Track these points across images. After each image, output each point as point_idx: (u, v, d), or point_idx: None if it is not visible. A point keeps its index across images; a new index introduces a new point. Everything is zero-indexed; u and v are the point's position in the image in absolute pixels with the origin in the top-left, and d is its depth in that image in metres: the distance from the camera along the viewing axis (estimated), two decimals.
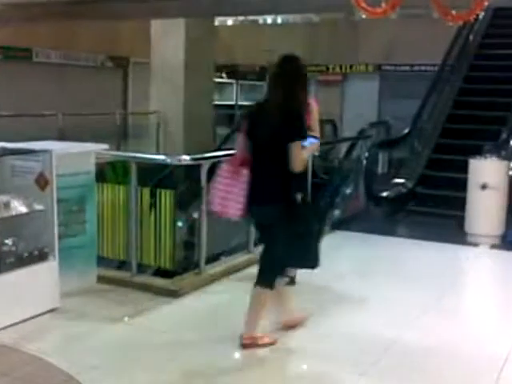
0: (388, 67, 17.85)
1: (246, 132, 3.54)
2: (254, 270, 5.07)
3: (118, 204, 4.90)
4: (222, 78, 20.00)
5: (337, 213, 7.82)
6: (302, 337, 3.93)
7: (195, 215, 7.97)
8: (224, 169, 3.60)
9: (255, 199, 3.50)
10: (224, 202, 3.54)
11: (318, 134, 4.75)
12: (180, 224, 8.11)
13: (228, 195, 3.54)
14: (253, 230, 5.46)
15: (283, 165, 3.39)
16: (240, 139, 3.59)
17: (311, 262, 3.68)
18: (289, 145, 3.38)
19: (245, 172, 3.53)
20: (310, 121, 4.66)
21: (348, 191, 8.26)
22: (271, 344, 3.67)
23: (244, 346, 3.61)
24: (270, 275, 3.61)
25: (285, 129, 3.39)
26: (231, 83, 21.05)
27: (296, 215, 3.43)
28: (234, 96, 21.06)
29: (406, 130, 9.32)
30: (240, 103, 20.71)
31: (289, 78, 3.49)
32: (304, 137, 3.46)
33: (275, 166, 3.44)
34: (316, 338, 3.91)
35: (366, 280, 5.13)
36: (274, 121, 3.41)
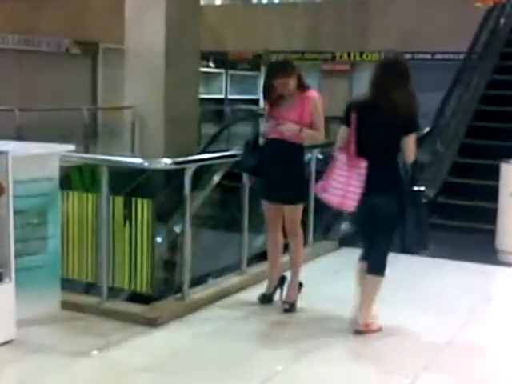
0: (405, 55, 17.93)
1: (356, 125, 4.31)
2: (247, 294, 5.15)
3: (85, 216, 4.88)
4: (208, 67, 20.05)
5: (344, 226, 7.81)
6: None
7: (177, 229, 7.98)
8: (340, 161, 4.35)
9: (374, 189, 4.30)
10: (344, 194, 4.31)
11: (321, 134, 4.76)
12: (159, 240, 8.12)
13: (348, 187, 4.30)
14: (245, 247, 5.45)
15: (396, 156, 4.31)
16: (347, 132, 4.38)
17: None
18: (404, 138, 4.26)
19: (363, 164, 4.29)
20: (309, 117, 4.68)
21: None
22: (379, 330, 4.50)
23: (361, 333, 4.45)
24: (385, 262, 4.49)
25: (401, 123, 4.27)
26: (220, 73, 21.11)
27: (411, 203, 4.35)
28: (223, 88, 21.12)
29: (426, 129, 9.31)
30: (230, 97, 20.79)
31: (400, 75, 4.35)
32: (417, 130, 4.37)
33: (390, 157, 4.33)
34: None
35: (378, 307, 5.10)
36: (390, 116, 4.27)
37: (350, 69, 18.78)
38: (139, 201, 4.69)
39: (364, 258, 4.59)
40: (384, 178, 4.32)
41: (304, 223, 5.57)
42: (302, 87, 4.75)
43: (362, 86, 22.24)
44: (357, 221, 4.76)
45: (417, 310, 5.07)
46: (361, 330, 4.46)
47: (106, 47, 17.07)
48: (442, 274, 6.14)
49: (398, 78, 4.33)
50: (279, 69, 4.74)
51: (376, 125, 4.31)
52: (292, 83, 4.69)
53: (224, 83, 20.98)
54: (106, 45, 17.01)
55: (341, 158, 4.36)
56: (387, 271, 4.52)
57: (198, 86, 13.54)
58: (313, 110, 4.73)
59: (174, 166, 4.81)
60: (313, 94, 4.78)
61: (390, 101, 4.28)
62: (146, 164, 4.98)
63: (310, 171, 6.40)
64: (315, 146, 6.31)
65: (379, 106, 4.30)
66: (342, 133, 4.42)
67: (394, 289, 5.57)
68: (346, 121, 4.41)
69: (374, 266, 4.47)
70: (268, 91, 4.80)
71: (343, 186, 4.31)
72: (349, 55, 18.71)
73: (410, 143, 4.29)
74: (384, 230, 4.42)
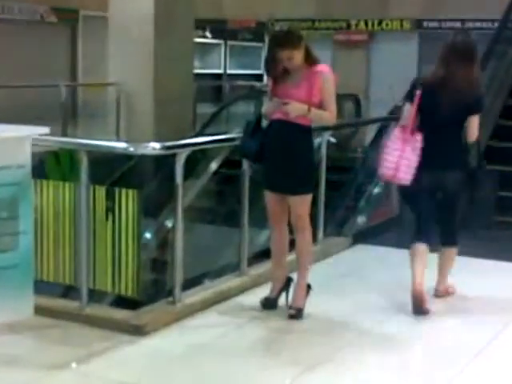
0: (431, 24, 17.90)
1: (419, 102, 4.99)
2: (248, 298, 5.17)
3: (63, 209, 4.89)
4: (205, 37, 20.03)
5: (361, 220, 7.83)
6: None
7: (169, 224, 8.02)
8: (395, 135, 5.06)
9: (440, 165, 5.07)
10: (397, 167, 4.97)
11: (332, 115, 4.76)
12: (148, 236, 8.15)
13: (401, 160, 4.96)
14: (246, 245, 5.47)
15: (461, 134, 5.06)
16: (410, 108, 5.05)
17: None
18: (469, 117, 5.02)
19: (418, 138, 4.98)
20: (319, 95, 4.68)
21: (376, 191, 8.26)
22: (453, 293, 5.51)
23: (439, 296, 5.42)
24: (457, 234, 5.39)
25: (468, 103, 5.01)
26: (218, 44, 21.08)
27: (475, 180, 5.19)
28: (222, 62, 21.10)
29: None
30: (230, 72, 20.77)
31: (470, 56, 5.07)
32: (482, 111, 5.13)
33: (456, 135, 5.08)
34: None
35: (398, 315, 5.14)
36: (459, 95, 4.98)
37: (367, 39, 18.76)
38: (124, 191, 4.69)
39: (421, 235, 5.24)
40: (450, 154, 5.09)
41: (313, 217, 5.59)
42: (310, 61, 4.74)
43: (381, 59, 22.32)
44: (416, 194, 5.22)
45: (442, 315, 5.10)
46: (439, 294, 5.42)
47: (87, 15, 17.09)
48: (472, 273, 6.14)
49: (468, 58, 5.04)
50: (283, 40, 4.71)
51: (442, 103, 5.01)
52: (298, 56, 4.67)
53: (223, 56, 20.97)
54: (86, 12, 17.03)
55: (395, 132, 5.09)
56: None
57: (193, 60, 13.55)
58: (323, 87, 4.71)
59: (163, 152, 4.78)
60: (323, 68, 4.76)
61: (458, 81, 5.00)
62: (132, 149, 4.95)
63: (320, 157, 6.42)
64: (326, 128, 6.30)
65: (447, 85, 5.00)
66: (407, 110, 5.10)
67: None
68: (410, 97, 5.11)
69: (449, 239, 5.37)
70: (271, 66, 4.78)
71: (397, 159, 4.98)
72: (366, 24, 18.68)
73: (474, 123, 5.05)
74: (453, 203, 5.29)
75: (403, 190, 5.35)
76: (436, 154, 5.04)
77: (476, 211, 5.66)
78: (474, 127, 5.06)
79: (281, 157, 4.80)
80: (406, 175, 4.99)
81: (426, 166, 5.00)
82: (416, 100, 5.02)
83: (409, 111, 5.07)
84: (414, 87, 5.10)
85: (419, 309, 5.04)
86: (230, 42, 21.09)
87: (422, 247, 5.18)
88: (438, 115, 5.05)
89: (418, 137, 4.99)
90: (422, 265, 5.14)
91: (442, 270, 5.45)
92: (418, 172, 4.99)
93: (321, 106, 4.74)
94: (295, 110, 4.67)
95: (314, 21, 19.40)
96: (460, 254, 5.45)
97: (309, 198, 4.88)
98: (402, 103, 5.28)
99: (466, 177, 5.13)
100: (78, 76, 17.15)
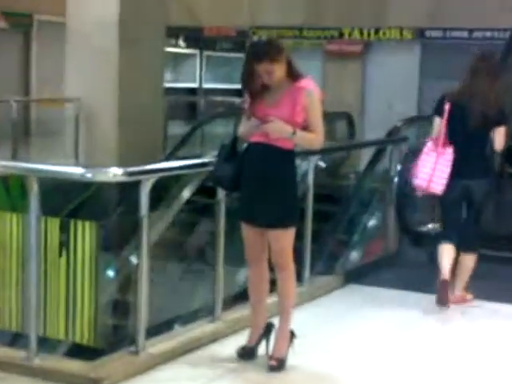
0: (434, 33, 18.04)
1: (449, 115, 6.18)
2: (223, 347, 5.16)
3: (9, 243, 4.88)
4: (178, 46, 20.12)
5: (353, 257, 7.85)
6: None
7: (134, 260, 7.99)
8: (428, 147, 6.28)
9: (468, 173, 6.22)
10: (430, 178, 6.21)
11: (319, 137, 4.77)
12: (110, 274, 8.12)
13: (434, 172, 6.19)
14: (221, 285, 5.47)
15: (486, 144, 6.19)
16: (440, 122, 6.27)
17: None
18: (495, 128, 6.17)
19: (450, 151, 6.18)
20: (302, 114, 4.70)
21: (371, 223, 8.29)
22: (471, 300, 6.50)
23: (456, 303, 6.36)
24: (476, 241, 6.43)
25: (493, 115, 6.14)
26: (193, 55, 21.18)
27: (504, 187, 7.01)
28: (197, 75, 21.17)
29: None
30: (206, 86, 20.81)
31: (497, 68, 6.42)
32: (506, 122, 6.24)
33: (483, 144, 6.19)
34: None
35: (392, 367, 5.14)
36: (486, 108, 6.12)
37: (362, 50, 18.88)
38: (80, 223, 4.68)
39: (448, 237, 6.36)
40: (478, 164, 6.22)
41: (298, 253, 5.60)
42: (292, 76, 4.75)
43: (378, 72, 22.42)
44: (447, 203, 6.42)
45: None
46: (455, 301, 6.32)
47: (43, 20, 17.12)
48: (487, 321, 6.17)
49: (494, 71, 6.26)
50: (262, 51, 4.70)
51: (471, 115, 6.12)
52: (279, 70, 4.67)
53: (198, 68, 21.06)
54: (41, 17, 17.06)
55: (429, 144, 6.29)
56: None
57: (164, 72, 13.58)
58: (308, 106, 4.72)
59: (125, 178, 4.78)
60: (307, 84, 4.78)
61: (485, 93, 6.14)
62: (89, 175, 4.91)
63: (306, 185, 6.44)
64: (314, 152, 6.32)
65: (475, 97, 6.13)
66: (438, 124, 6.31)
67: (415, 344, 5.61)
68: (439, 111, 6.29)
69: (469, 244, 6.38)
70: (248, 80, 4.81)
71: (430, 170, 6.20)
72: (361, 32, 18.80)
73: (500, 133, 6.17)
74: (477, 209, 6.39)
75: (440, 199, 6.48)
76: (464, 164, 6.16)
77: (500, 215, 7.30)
78: (498, 138, 6.17)
79: (259, 185, 4.80)
80: (438, 186, 6.20)
81: (456, 176, 6.16)
82: (445, 114, 6.21)
83: (439, 125, 6.28)
84: (442, 101, 6.27)
85: (442, 300, 6.14)
86: (206, 53, 21.18)
87: (448, 245, 6.30)
88: (466, 127, 6.17)
89: (450, 149, 6.18)
90: (449, 258, 6.26)
91: (460, 276, 6.39)
92: (449, 181, 6.17)
93: (305, 126, 4.75)
94: (277, 130, 4.68)
95: (302, 29, 19.53)
96: None
97: (292, 231, 4.87)
98: (432, 117, 6.44)
99: (491, 184, 6.37)
100: (31, 90, 17.15)
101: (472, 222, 6.46)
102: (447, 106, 6.21)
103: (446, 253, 6.31)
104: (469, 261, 6.38)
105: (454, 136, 6.23)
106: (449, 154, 6.19)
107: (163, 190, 9.75)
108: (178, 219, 9.95)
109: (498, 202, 7.11)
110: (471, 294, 6.52)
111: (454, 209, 6.44)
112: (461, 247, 6.36)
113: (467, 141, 6.20)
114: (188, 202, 10.12)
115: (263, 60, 4.66)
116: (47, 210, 4.83)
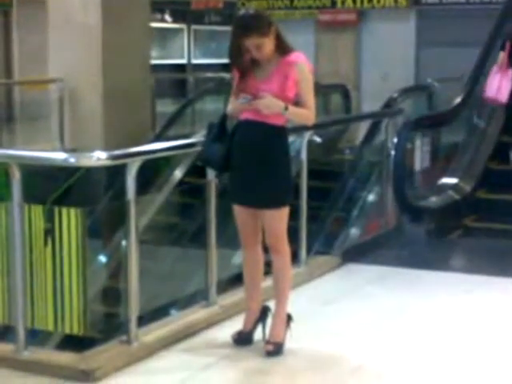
0: (430, 0, 17.99)
1: (509, 51, 9.16)
2: (218, 332, 5.16)
3: None
4: (164, 21, 20.04)
5: (351, 234, 7.84)
6: None
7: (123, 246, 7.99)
8: (494, 71, 9.06)
9: None
10: (499, 88, 8.91)
11: (311, 112, 4.74)
12: (102, 261, 8.11)
13: (501, 84, 8.87)
14: (214, 269, 5.47)
15: None
16: (503, 54, 9.11)
17: None
18: None
19: (510, 72, 9.01)
20: (294, 89, 4.68)
21: (368, 199, 8.29)
22: None
23: None
24: None
25: None
26: (180, 30, 21.09)
27: None
28: (186, 50, 21.10)
29: (459, 99, 9.37)
30: (195, 62, 20.75)
31: None
32: None
33: None
34: None
35: (392, 349, 5.14)
36: None
37: (356, 19, 18.84)
38: (65, 211, 4.67)
39: None
40: None
41: (293, 233, 5.58)
42: (282, 50, 4.72)
43: (373, 42, 22.39)
44: None
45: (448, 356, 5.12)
46: None
47: None
48: (483, 295, 6.18)
49: None
50: (250, 25, 4.66)
51: None
52: (268, 45, 4.65)
53: (186, 43, 20.98)
54: None
55: (494, 68, 9.06)
56: None
57: (150, 49, 13.52)
58: (299, 80, 4.70)
59: (110, 162, 4.76)
60: (298, 58, 4.75)
61: None
62: (72, 160, 4.90)
63: (300, 161, 6.42)
64: (307, 127, 6.29)
65: None
66: (502, 57, 9.05)
67: (414, 321, 5.62)
68: (502, 47, 9.11)
69: None
70: (236, 56, 4.79)
71: (498, 83, 8.86)
72: (354, 1, 18.76)
73: None
74: None
75: None
76: None
77: None
78: None
79: (250, 164, 4.78)
80: (504, 96, 8.83)
81: None
82: (507, 48, 9.02)
83: (503, 57, 8.99)
84: (505, 41, 9.10)
85: None
86: (194, 27, 21.09)
87: None
88: None
89: (510, 71, 8.93)
90: None
91: None
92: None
93: (296, 101, 4.73)
94: (270, 105, 4.64)
95: None
96: None
97: (285, 211, 4.86)
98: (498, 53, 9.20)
99: None
100: (13, 72, 17.09)
101: None
102: (508, 43, 9.06)
103: None
104: None
105: None
106: (510, 74, 8.89)
107: (155, 170, 9.76)
108: (171, 201, 9.96)
109: None
110: None
111: None
112: None
113: None
114: (180, 183, 10.12)
115: (252, 34, 4.63)
116: (34, 197, 4.81)
